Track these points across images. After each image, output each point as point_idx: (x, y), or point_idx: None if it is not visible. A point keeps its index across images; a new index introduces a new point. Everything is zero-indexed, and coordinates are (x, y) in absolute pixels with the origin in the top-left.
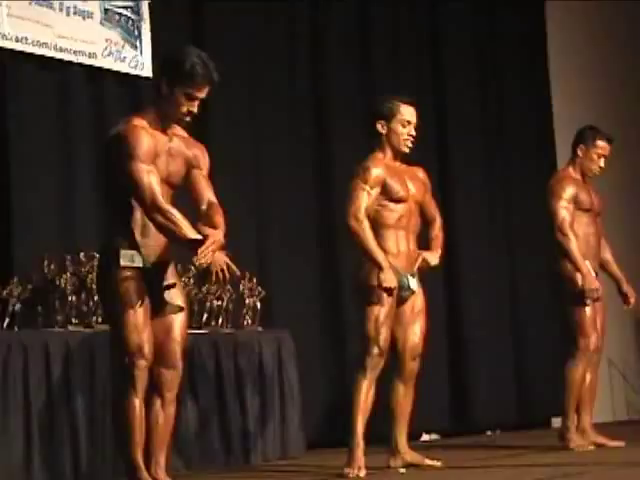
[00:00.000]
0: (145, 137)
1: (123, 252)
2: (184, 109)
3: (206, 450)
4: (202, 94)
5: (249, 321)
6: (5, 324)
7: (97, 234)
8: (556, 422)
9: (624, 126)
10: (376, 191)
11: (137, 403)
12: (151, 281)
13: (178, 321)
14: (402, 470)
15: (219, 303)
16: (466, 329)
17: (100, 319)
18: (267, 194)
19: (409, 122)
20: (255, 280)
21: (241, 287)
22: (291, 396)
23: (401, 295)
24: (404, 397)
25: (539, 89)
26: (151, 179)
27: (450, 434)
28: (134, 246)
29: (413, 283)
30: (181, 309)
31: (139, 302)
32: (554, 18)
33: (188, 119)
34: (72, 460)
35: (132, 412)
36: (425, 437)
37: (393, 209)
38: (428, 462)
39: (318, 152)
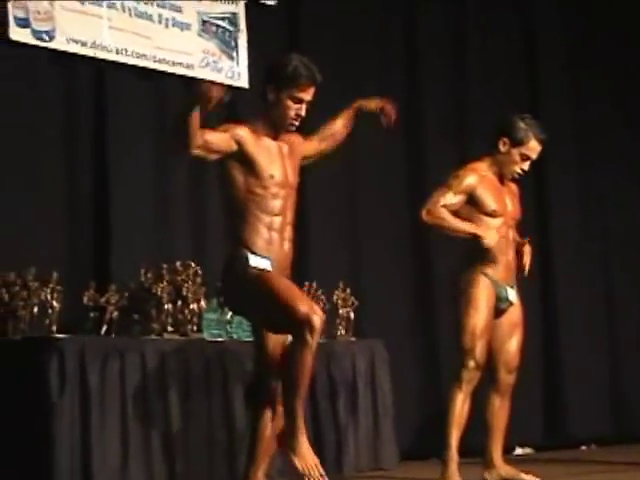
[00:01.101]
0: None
1: (252, 257)
2: (292, 113)
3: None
4: (307, 95)
5: (342, 331)
6: (103, 331)
7: (193, 244)
8: None
9: None
10: (460, 198)
11: (310, 358)
12: None
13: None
14: None
15: None
16: (561, 343)
17: (195, 328)
18: (360, 203)
19: (529, 158)
20: (348, 290)
21: (334, 297)
22: (384, 407)
23: (499, 307)
24: (500, 410)
25: None
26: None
27: (544, 448)
28: (260, 255)
29: (512, 295)
30: None
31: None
32: None
33: (297, 123)
34: (167, 467)
35: (306, 366)
36: (518, 451)
37: (489, 224)
38: (523, 477)
39: (411, 163)
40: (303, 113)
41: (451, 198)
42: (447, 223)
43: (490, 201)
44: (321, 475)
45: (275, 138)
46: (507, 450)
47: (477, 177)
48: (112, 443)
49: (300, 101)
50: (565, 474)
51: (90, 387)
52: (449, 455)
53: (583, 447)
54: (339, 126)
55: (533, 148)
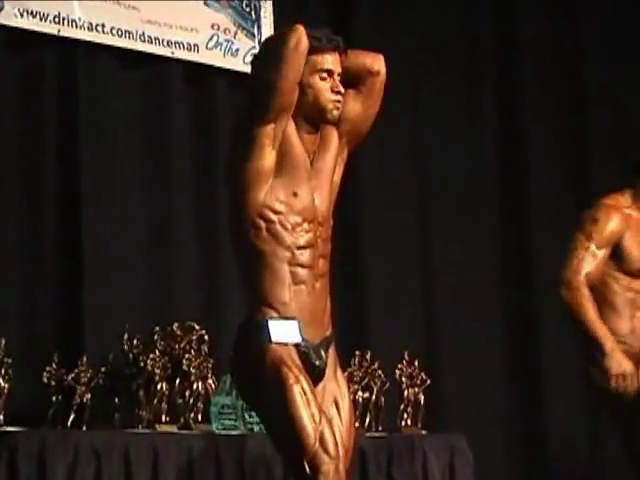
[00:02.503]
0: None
1: (273, 323)
2: (326, 93)
3: None
4: (332, 65)
5: (408, 421)
6: (70, 421)
7: (199, 298)
8: None
9: None
10: (604, 253)
11: None
12: (310, 365)
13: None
14: None
15: (366, 395)
16: None
17: (200, 417)
18: (436, 248)
19: None
20: (417, 363)
21: (397, 373)
22: None
23: None
24: None
25: None
26: None
27: None
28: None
29: None
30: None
31: (306, 381)
32: None
33: (338, 103)
34: None
35: None
36: None
37: (628, 285)
38: None
39: (505, 193)
40: (339, 88)
41: (593, 258)
42: (586, 321)
43: (637, 252)
44: None
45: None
46: None
47: (621, 219)
48: None
49: (328, 73)
50: None
51: None
52: None
53: None
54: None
55: None
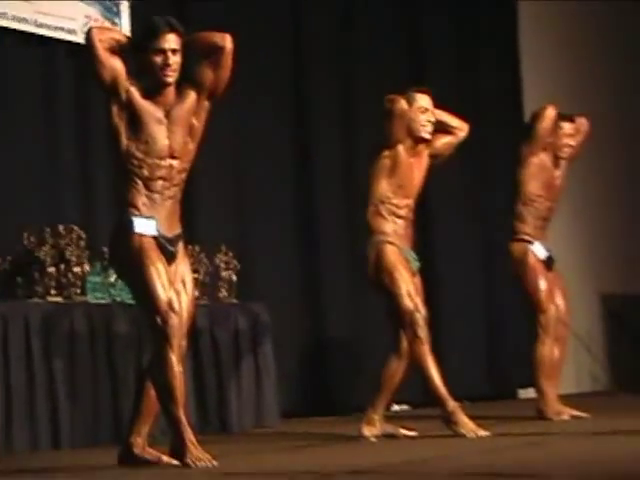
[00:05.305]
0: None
1: (137, 220)
2: (160, 64)
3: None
4: (168, 44)
5: (225, 294)
6: None
7: (80, 206)
8: (522, 393)
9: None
10: None
11: (175, 360)
12: (166, 252)
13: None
14: (373, 439)
15: (195, 275)
16: (441, 311)
17: (79, 291)
18: (247, 167)
19: None
20: (231, 254)
21: (217, 260)
22: (266, 367)
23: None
24: (396, 372)
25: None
26: None
27: (420, 405)
28: (146, 216)
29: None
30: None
31: (160, 261)
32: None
33: (170, 74)
34: (52, 429)
35: (171, 370)
36: (396, 408)
37: None
38: (402, 431)
39: (297, 130)
40: (171, 62)
41: None
42: None
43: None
44: (209, 459)
45: (157, 99)
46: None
47: None
48: None
49: (163, 51)
50: (442, 429)
51: None
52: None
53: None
54: None
55: None
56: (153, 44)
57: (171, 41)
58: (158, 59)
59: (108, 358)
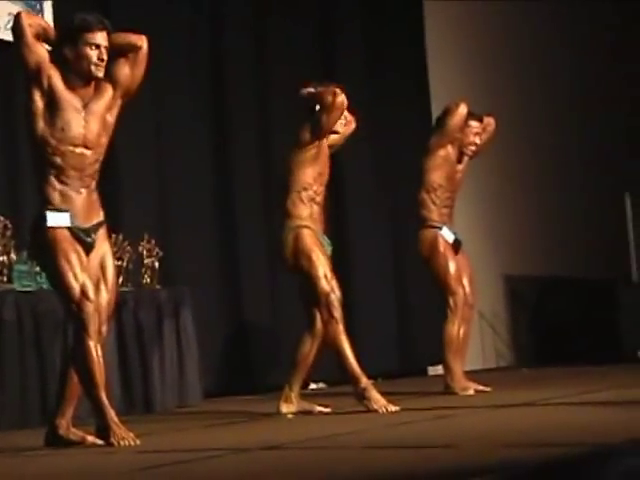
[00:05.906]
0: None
1: (50, 214)
2: (93, 59)
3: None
4: (100, 40)
5: (148, 280)
6: None
7: (6, 195)
8: (432, 370)
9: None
10: None
11: (92, 345)
12: (82, 242)
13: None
14: (290, 415)
15: (119, 263)
16: (354, 291)
17: (6, 279)
18: (168, 158)
19: None
20: (153, 242)
21: (140, 248)
22: (188, 349)
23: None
24: (310, 351)
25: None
26: None
27: (336, 383)
28: (60, 208)
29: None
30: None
31: (73, 252)
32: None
33: (101, 69)
34: None
35: (89, 355)
36: (313, 386)
37: None
38: (318, 408)
39: (216, 124)
40: (104, 57)
41: None
42: None
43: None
44: (132, 438)
45: (79, 90)
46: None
47: None
48: None
49: (96, 46)
50: (355, 405)
51: None
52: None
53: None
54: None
55: None
56: (88, 38)
57: (104, 38)
58: (92, 53)
59: (36, 343)
